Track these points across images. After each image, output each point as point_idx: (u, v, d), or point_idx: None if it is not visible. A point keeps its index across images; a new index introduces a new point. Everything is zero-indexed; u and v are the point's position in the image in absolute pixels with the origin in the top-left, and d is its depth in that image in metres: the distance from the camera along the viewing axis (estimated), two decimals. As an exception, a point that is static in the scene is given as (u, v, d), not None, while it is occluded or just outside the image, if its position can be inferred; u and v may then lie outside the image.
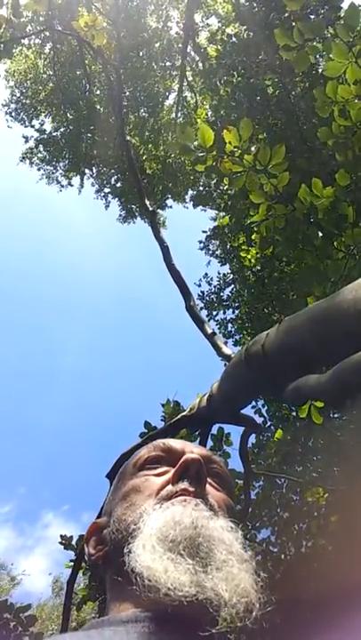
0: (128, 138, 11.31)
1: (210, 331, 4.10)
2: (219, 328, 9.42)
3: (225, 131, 3.80)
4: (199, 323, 4.20)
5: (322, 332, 2.18)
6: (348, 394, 2.25)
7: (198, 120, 9.80)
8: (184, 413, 3.76)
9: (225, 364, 3.90)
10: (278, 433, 5.06)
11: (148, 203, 4.94)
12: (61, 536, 4.60)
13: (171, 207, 12.65)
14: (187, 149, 3.82)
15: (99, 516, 0.92)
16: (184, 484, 0.76)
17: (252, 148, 4.01)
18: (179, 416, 3.78)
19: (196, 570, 0.63)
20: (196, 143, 3.71)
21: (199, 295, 9.97)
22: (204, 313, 9.70)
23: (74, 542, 4.64)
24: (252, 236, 4.40)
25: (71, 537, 4.71)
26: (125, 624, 0.63)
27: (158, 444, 0.88)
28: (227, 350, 3.82)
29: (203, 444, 3.91)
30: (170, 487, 0.77)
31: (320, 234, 3.98)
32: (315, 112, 3.53)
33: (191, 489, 0.75)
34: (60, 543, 4.70)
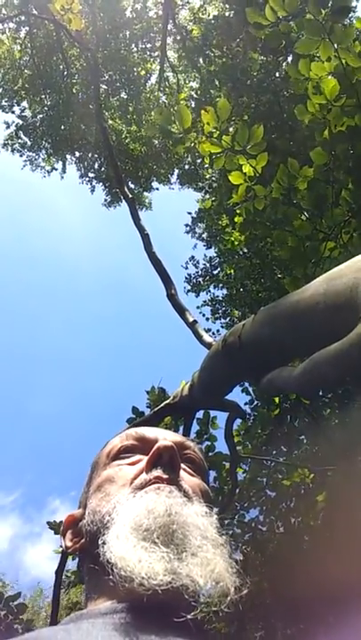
0: (110, 122, 11.25)
1: (191, 319, 4.08)
2: (208, 306, 9.46)
3: (203, 111, 3.77)
4: (180, 311, 4.18)
5: (295, 325, 2.18)
6: (319, 386, 2.25)
7: (181, 101, 9.69)
8: (167, 401, 3.77)
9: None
10: (263, 413, 5.09)
11: (127, 190, 4.88)
12: (49, 522, 4.59)
13: (157, 189, 12.57)
14: (165, 131, 3.78)
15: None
16: (157, 472, 0.75)
17: (230, 129, 3.97)
18: (162, 404, 3.78)
19: (170, 558, 0.63)
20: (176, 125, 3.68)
21: (186, 278, 10.00)
22: (192, 295, 9.75)
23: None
24: (235, 219, 4.37)
25: (60, 522, 4.67)
26: (104, 616, 0.63)
27: (131, 433, 0.87)
28: (208, 338, 3.81)
29: (187, 430, 3.92)
30: (143, 476, 0.76)
31: (300, 215, 3.96)
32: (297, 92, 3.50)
33: (165, 476, 0.75)
34: (50, 528, 4.68)
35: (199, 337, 3.87)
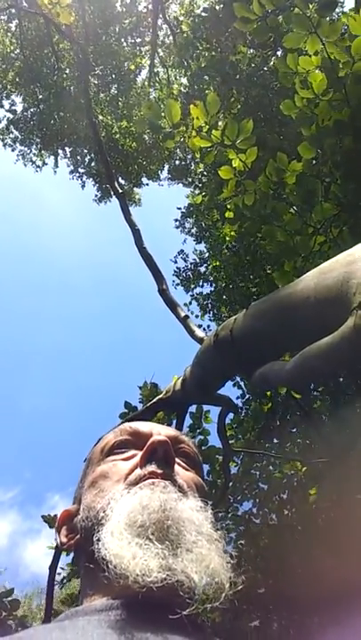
0: (101, 117, 11.21)
1: (183, 314, 4.09)
2: (196, 302, 9.47)
3: (192, 106, 3.76)
4: (172, 306, 4.18)
5: (286, 319, 2.19)
6: (311, 380, 2.27)
7: (171, 95, 9.66)
8: (160, 396, 3.78)
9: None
10: (255, 407, 5.11)
11: (117, 185, 4.87)
12: (43, 516, 4.55)
13: (147, 185, 12.55)
14: (154, 126, 3.77)
15: None
16: (152, 467, 0.75)
17: (220, 123, 3.97)
18: (155, 399, 3.80)
19: (165, 554, 0.63)
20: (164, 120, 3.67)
21: (175, 271, 9.99)
22: (180, 289, 9.75)
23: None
24: (225, 214, 4.38)
25: (55, 516, 4.46)
26: (99, 613, 0.63)
27: (125, 428, 0.87)
28: (200, 333, 3.82)
29: (180, 425, 3.94)
30: (138, 471, 0.76)
31: (290, 209, 3.98)
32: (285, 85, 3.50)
33: (159, 471, 0.75)
34: (45, 522, 4.63)
35: (191, 332, 3.88)
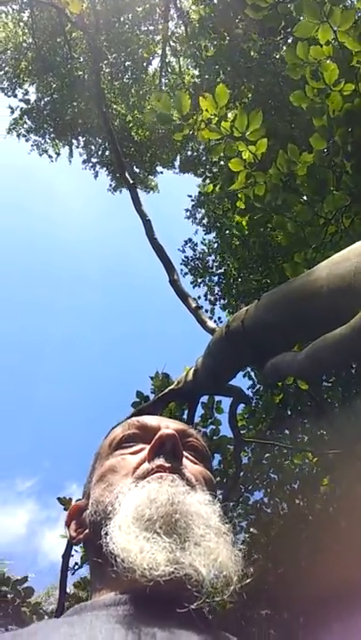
0: (114, 106, 11.16)
1: (194, 305, 4.08)
2: (205, 294, 9.46)
3: (201, 98, 3.75)
4: (183, 297, 4.17)
5: (297, 310, 2.18)
6: (323, 371, 2.27)
7: (184, 84, 9.59)
8: (171, 387, 3.80)
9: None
10: (267, 398, 5.12)
11: (128, 176, 4.85)
12: (59, 498, 4.55)
13: (161, 173, 12.51)
14: (164, 118, 3.77)
15: None
16: (160, 461, 0.75)
17: (229, 115, 3.95)
18: (166, 390, 3.81)
19: (172, 548, 0.63)
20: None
21: (183, 260, 9.93)
22: (188, 278, 9.72)
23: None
24: (237, 203, 4.36)
25: (70, 499, 4.50)
26: (107, 608, 0.63)
27: (133, 422, 0.87)
28: (211, 324, 3.82)
29: (191, 415, 3.96)
30: (146, 465, 0.76)
31: (300, 200, 3.96)
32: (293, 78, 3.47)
33: (167, 465, 0.74)
34: (61, 504, 4.62)
35: (202, 323, 3.88)
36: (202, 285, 9.55)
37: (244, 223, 6.48)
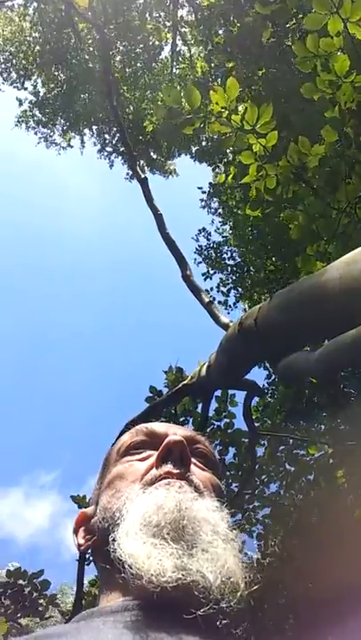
0: (127, 94, 11.09)
1: (207, 300, 4.08)
2: (217, 286, 9.44)
3: (211, 91, 3.72)
4: (196, 292, 4.17)
5: (311, 311, 2.18)
6: (337, 372, 2.27)
7: (193, 74, 9.51)
8: (185, 382, 3.82)
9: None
10: (282, 390, 5.11)
11: (139, 170, 4.83)
12: (72, 496, 4.62)
13: (179, 156, 12.42)
14: (174, 113, 3.74)
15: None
16: (168, 467, 0.75)
17: (240, 108, 3.91)
18: (180, 385, 3.84)
19: (180, 554, 0.63)
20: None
21: (197, 249, 9.88)
22: (202, 268, 9.69)
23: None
24: (249, 193, 4.33)
25: (84, 496, 4.60)
26: (114, 614, 0.63)
27: (141, 429, 0.87)
28: (224, 319, 3.82)
29: (205, 410, 3.98)
30: (154, 471, 0.76)
31: (312, 193, 3.92)
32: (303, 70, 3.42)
33: (175, 471, 0.75)
34: (75, 502, 4.68)
35: (215, 318, 3.88)
36: (214, 277, 9.54)
37: (255, 214, 6.44)
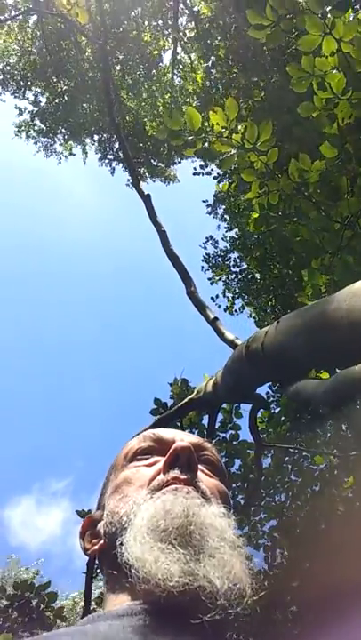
0: (127, 103, 11.16)
1: (212, 316, 4.07)
2: (223, 292, 9.49)
3: (211, 112, 3.76)
4: (201, 308, 4.16)
5: (316, 340, 2.18)
6: (346, 403, 2.28)
7: (197, 79, 9.55)
8: (191, 396, 3.85)
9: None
10: (285, 400, 5.12)
11: (142, 186, 4.85)
12: (77, 511, 4.64)
13: (180, 162, 12.48)
14: (175, 134, 3.78)
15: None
16: (175, 473, 0.75)
17: (239, 127, 3.95)
18: (186, 399, 3.87)
19: (187, 559, 0.63)
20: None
21: (204, 257, 9.96)
22: (209, 273, 9.73)
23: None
24: (253, 201, 4.35)
25: (89, 510, 4.53)
26: (121, 618, 0.63)
27: (148, 435, 0.88)
28: (229, 335, 3.82)
29: (212, 423, 4.01)
30: (161, 477, 0.76)
31: (314, 207, 3.95)
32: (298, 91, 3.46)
33: (182, 477, 0.75)
34: (80, 517, 4.71)
35: (221, 334, 3.89)
36: (219, 283, 9.60)
37: (259, 229, 6.44)
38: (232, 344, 3.70)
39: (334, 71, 3.31)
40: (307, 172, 3.79)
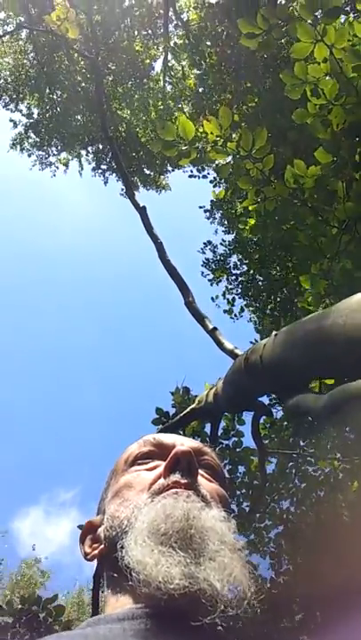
0: (119, 112, 11.18)
1: (211, 326, 4.05)
2: (223, 293, 9.52)
3: (205, 121, 3.76)
4: (199, 319, 4.13)
5: (316, 353, 2.19)
6: (345, 419, 2.28)
7: (188, 85, 9.58)
8: (193, 406, 3.85)
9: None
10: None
11: (137, 199, 4.84)
12: (79, 526, 4.64)
13: (173, 171, 12.50)
14: (169, 145, 3.77)
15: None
16: (175, 477, 0.76)
17: (234, 135, 3.95)
18: (188, 409, 3.87)
19: (187, 562, 0.63)
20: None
21: (204, 262, 9.97)
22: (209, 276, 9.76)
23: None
24: (249, 207, 4.33)
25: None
26: (121, 621, 0.63)
27: (149, 439, 0.88)
28: (229, 345, 3.81)
29: (214, 432, 4.00)
30: (161, 481, 0.77)
31: (311, 213, 3.95)
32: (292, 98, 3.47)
33: (183, 481, 0.75)
34: (81, 529, 4.71)
35: (220, 344, 3.87)
36: (220, 284, 9.65)
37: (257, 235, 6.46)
38: (232, 354, 3.69)
39: (327, 77, 3.33)
40: (302, 178, 3.79)
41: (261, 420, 5.15)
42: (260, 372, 2.61)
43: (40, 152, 11.69)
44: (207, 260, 9.99)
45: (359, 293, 2.04)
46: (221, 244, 9.97)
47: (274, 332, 2.67)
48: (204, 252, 10.04)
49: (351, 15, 6.96)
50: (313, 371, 2.33)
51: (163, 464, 0.80)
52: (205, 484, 0.81)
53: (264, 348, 2.60)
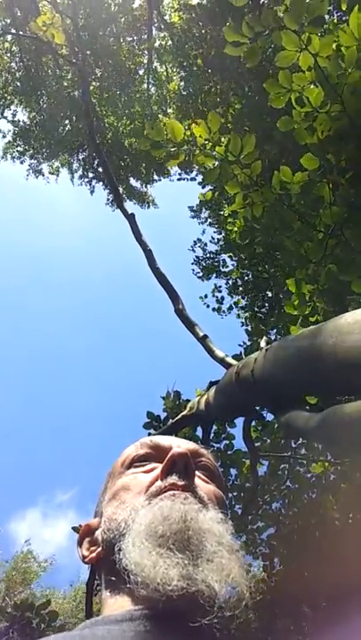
0: (106, 119, 11.14)
1: (201, 334, 4.03)
2: (212, 291, 9.59)
3: (193, 125, 3.77)
4: (190, 326, 4.13)
5: (304, 373, 2.21)
6: (336, 441, 2.31)
7: (171, 91, 9.59)
8: (184, 413, 3.85)
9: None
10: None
11: (125, 201, 4.85)
12: (74, 527, 4.60)
13: (159, 180, 12.52)
14: (157, 146, 3.78)
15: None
16: (172, 479, 0.76)
17: (222, 139, 3.97)
18: (179, 416, 3.88)
19: (185, 563, 0.64)
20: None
21: (194, 260, 10.13)
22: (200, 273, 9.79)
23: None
24: (236, 223, 4.36)
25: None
26: (120, 623, 0.63)
27: (145, 442, 0.88)
28: (220, 353, 3.80)
29: (205, 437, 4.01)
30: (158, 483, 0.77)
31: (298, 218, 3.97)
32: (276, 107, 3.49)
33: (180, 483, 0.75)
34: (77, 532, 4.68)
35: (210, 351, 3.87)
36: (210, 280, 9.75)
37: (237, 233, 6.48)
38: (222, 362, 3.70)
39: (312, 85, 3.35)
40: (289, 184, 3.81)
41: (253, 423, 5.18)
42: (252, 386, 2.64)
43: (32, 161, 11.63)
44: (197, 257, 10.10)
45: (347, 314, 2.05)
46: (211, 241, 10.08)
47: (265, 347, 2.70)
48: (194, 250, 10.15)
49: (335, 17, 7.01)
50: (304, 387, 2.35)
51: (160, 466, 0.80)
52: (202, 485, 0.81)
53: (255, 363, 2.62)
